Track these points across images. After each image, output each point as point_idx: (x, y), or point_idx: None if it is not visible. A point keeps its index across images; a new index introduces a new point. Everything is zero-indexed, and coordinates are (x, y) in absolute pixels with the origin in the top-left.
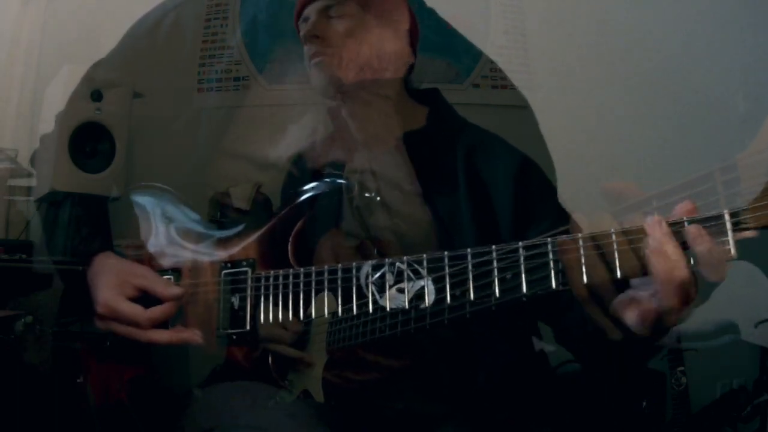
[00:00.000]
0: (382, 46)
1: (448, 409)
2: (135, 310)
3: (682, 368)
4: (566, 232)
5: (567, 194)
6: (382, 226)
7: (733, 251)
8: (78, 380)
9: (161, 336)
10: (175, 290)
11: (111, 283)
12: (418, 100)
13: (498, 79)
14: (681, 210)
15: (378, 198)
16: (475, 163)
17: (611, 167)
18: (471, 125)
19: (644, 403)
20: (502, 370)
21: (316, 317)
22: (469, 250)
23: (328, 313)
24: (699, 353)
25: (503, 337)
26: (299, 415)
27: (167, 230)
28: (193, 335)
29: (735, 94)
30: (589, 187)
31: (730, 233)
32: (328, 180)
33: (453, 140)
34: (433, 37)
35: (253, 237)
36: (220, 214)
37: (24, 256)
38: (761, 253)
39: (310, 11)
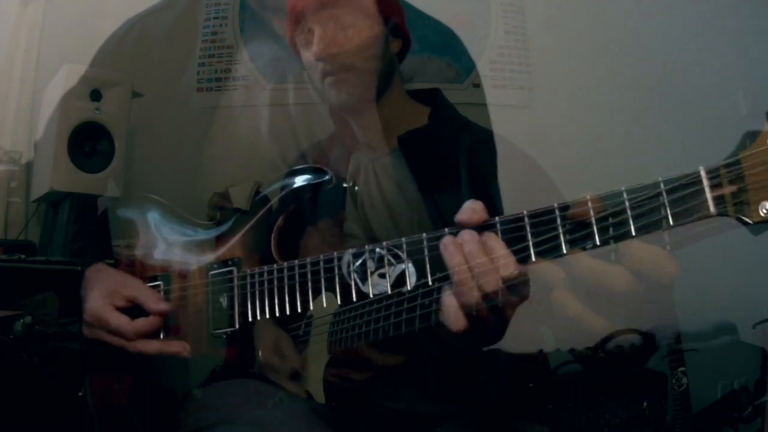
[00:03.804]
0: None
1: (449, 409)
2: (121, 321)
3: (683, 369)
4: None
5: (566, 194)
6: (384, 227)
7: (712, 208)
8: (79, 393)
9: (149, 346)
10: (162, 306)
11: (101, 292)
12: (419, 101)
13: (498, 79)
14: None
15: (380, 197)
16: (478, 162)
17: (611, 167)
18: (472, 124)
19: (645, 404)
20: (502, 370)
21: (315, 318)
22: (446, 229)
23: (329, 313)
24: (700, 354)
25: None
26: (299, 415)
27: (157, 237)
28: (182, 348)
29: (735, 94)
30: (589, 186)
31: (707, 190)
32: (323, 177)
33: (455, 140)
34: (433, 37)
35: (238, 236)
36: (219, 215)
37: (23, 256)
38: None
39: (314, 22)
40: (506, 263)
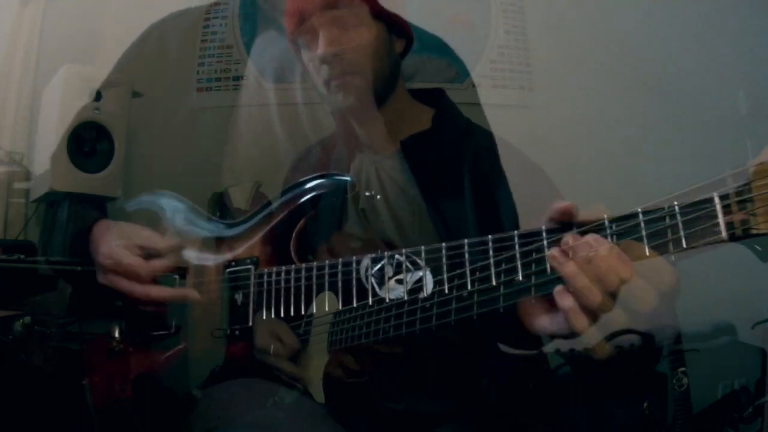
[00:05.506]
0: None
1: (449, 408)
2: (136, 261)
3: (683, 369)
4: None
5: (566, 194)
6: (386, 230)
7: (724, 234)
8: (83, 382)
9: (161, 292)
10: (171, 242)
11: (113, 237)
12: (422, 101)
13: (498, 79)
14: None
15: (380, 198)
16: (481, 167)
17: (611, 167)
18: (476, 127)
19: (645, 404)
20: (504, 371)
21: (317, 317)
22: (465, 240)
23: (329, 313)
24: (700, 354)
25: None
26: (299, 414)
27: (172, 231)
28: (192, 293)
29: (735, 94)
30: (588, 187)
31: (720, 215)
32: (331, 179)
33: (459, 144)
34: (432, 37)
35: (257, 236)
36: (219, 214)
37: (22, 256)
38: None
39: (318, 23)
40: (622, 260)
